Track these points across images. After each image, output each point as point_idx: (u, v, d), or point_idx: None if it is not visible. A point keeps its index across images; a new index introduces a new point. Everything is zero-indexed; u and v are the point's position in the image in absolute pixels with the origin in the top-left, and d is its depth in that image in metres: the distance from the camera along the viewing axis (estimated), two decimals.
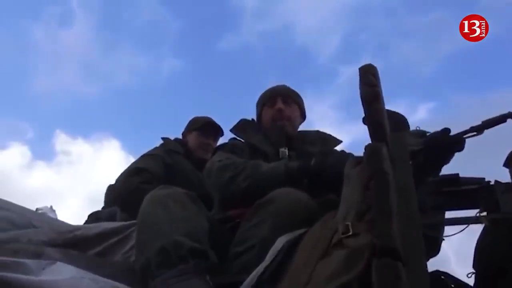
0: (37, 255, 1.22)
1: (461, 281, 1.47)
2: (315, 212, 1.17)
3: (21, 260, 1.08)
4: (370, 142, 0.91)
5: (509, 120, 1.30)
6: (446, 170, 1.50)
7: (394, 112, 1.42)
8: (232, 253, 1.20)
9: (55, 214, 2.38)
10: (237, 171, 1.42)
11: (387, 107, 1.02)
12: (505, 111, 1.35)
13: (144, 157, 2.23)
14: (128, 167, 2.17)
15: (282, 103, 1.79)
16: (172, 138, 2.45)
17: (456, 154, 1.36)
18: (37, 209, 2.28)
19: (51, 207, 2.48)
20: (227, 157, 1.54)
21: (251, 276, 1.01)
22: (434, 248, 1.55)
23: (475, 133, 1.29)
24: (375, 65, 0.87)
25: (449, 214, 1.50)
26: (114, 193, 2.23)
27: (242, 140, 1.78)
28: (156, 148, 2.33)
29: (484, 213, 1.36)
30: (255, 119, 1.91)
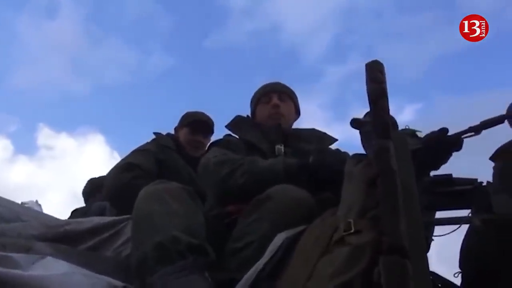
0: (26, 250, 1.18)
1: (448, 280, 1.49)
2: (314, 209, 1.17)
3: (10, 254, 1.05)
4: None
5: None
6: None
7: None
8: (230, 249, 1.19)
9: (41, 208, 2.32)
10: (234, 167, 1.40)
11: None
12: (491, 113, 1.37)
13: (135, 152, 2.19)
14: (120, 162, 2.13)
15: (277, 99, 1.78)
16: (164, 133, 2.41)
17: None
18: (22, 203, 2.22)
19: (36, 201, 2.42)
20: (223, 153, 1.52)
21: (249, 272, 1.00)
22: None
23: (473, 133, 1.30)
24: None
25: (440, 214, 1.52)
26: (104, 188, 2.19)
27: (237, 137, 1.76)
28: (147, 143, 2.29)
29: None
30: (249, 115, 1.89)
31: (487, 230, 1.45)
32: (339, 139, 1.82)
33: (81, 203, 2.77)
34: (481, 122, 1.30)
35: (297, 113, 1.89)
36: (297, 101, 1.90)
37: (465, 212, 1.40)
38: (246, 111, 1.93)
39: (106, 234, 1.39)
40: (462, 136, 1.31)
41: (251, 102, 1.91)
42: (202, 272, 1.02)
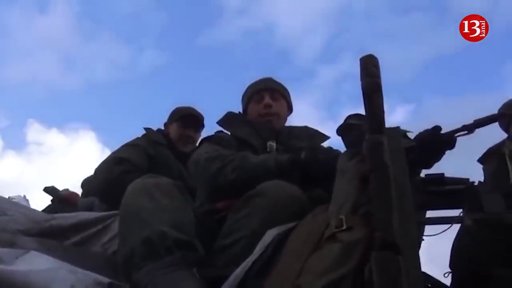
0: (10, 244, 1.16)
1: (438, 280, 1.49)
2: (305, 205, 1.15)
3: None
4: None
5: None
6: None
7: None
8: (219, 245, 1.17)
9: (28, 204, 2.28)
10: (225, 163, 1.38)
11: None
12: (483, 114, 1.37)
13: (126, 146, 2.16)
14: (109, 156, 2.10)
15: (269, 98, 1.75)
16: (154, 128, 2.38)
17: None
18: (9, 197, 2.18)
19: (24, 196, 2.38)
20: (214, 149, 1.50)
21: (238, 269, 0.98)
22: None
23: (466, 132, 1.30)
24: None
25: (431, 214, 1.51)
26: (93, 182, 2.15)
27: (228, 133, 1.74)
28: (138, 138, 2.26)
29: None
30: (241, 111, 1.87)
31: (478, 229, 1.45)
32: (331, 138, 1.81)
33: None
34: (474, 121, 1.30)
35: (290, 109, 1.87)
36: (290, 97, 1.87)
37: (456, 212, 1.39)
38: (238, 108, 1.91)
39: (93, 230, 1.37)
40: (456, 135, 1.31)
41: (242, 98, 1.88)
42: (190, 268, 1.00)
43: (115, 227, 1.34)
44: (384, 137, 0.78)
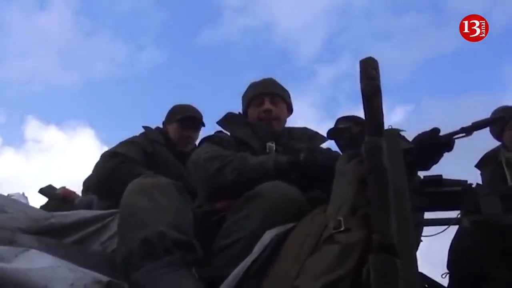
0: (10, 242, 1.16)
1: (435, 281, 1.50)
2: (304, 206, 1.16)
3: None
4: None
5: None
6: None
7: None
8: (218, 245, 1.18)
9: (27, 201, 2.29)
10: (224, 163, 1.39)
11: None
12: (481, 114, 1.38)
13: (122, 143, 2.16)
14: (105, 152, 2.09)
15: (269, 103, 1.75)
16: (153, 127, 2.38)
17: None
18: (8, 195, 2.18)
19: (23, 193, 2.39)
20: (214, 149, 1.51)
21: (237, 269, 0.99)
22: None
23: (464, 134, 1.31)
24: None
25: (428, 215, 1.52)
26: (91, 179, 2.16)
27: (228, 133, 1.74)
28: (136, 136, 2.26)
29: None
30: (241, 111, 1.87)
31: (476, 231, 1.46)
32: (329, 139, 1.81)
33: None
34: (472, 123, 1.30)
35: (290, 110, 1.87)
36: (290, 99, 1.86)
37: (454, 213, 1.40)
38: (236, 107, 1.90)
39: (92, 228, 1.37)
40: (454, 137, 1.31)
41: (242, 98, 1.87)
42: (189, 268, 1.00)
43: (114, 226, 1.35)
44: (383, 139, 0.79)
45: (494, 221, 1.31)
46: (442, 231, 1.43)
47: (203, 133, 2.37)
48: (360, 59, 0.88)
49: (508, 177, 2.06)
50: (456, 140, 1.34)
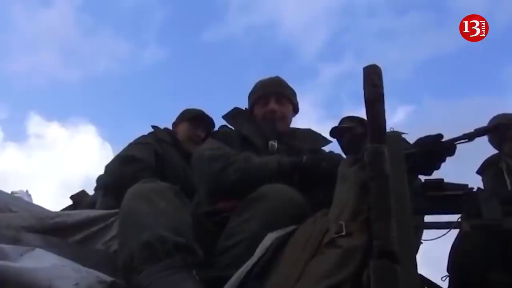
0: (15, 241, 1.17)
1: (435, 284, 1.51)
2: (306, 209, 1.17)
3: None
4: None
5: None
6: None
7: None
8: (220, 247, 1.19)
9: (31, 199, 2.30)
10: (227, 163, 1.39)
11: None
12: (482, 116, 1.39)
13: (137, 145, 2.16)
14: (122, 153, 2.11)
15: (275, 103, 1.75)
16: (161, 127, 2.40)
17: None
18: (12, 192, 2.20)
19: (27, 191, 2.39)
20: (218, 147, 1.51)
21: (238, 271, 1.00)
22: None
23: (466, 140, 1.31)
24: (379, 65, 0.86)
25: (429, 218, 1.53)
26: (102, 179, 2.17)
27: (233, 128, 1.75)
28: (145, 136, 2.27)
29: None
30: (247, 108, 1.86)
31: (476, 235, 1.47)
32: (333, 142, 1.82)
33: (69, 193, 2.73)
34: (475, 130, 1.31)
35: (296, 111, 1.86)
36: (296, 98, 1.86)
37: (454, 217, 1.41)
38: (238, 105, 1.89)
39: (96, 228, 1.38)
40: (456, 142, 1.32)
41: (249, 95, 1.87)
42: (190, 270, 1.01)
43: (117, 226, 1.36)
44: (385, 146, 0.80)
45: (494, 225, 1.32)
46: (443, 235, 1.44)
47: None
48: (364, 65, 0.89)
49: (508, 184, 2.07)
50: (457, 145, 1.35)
